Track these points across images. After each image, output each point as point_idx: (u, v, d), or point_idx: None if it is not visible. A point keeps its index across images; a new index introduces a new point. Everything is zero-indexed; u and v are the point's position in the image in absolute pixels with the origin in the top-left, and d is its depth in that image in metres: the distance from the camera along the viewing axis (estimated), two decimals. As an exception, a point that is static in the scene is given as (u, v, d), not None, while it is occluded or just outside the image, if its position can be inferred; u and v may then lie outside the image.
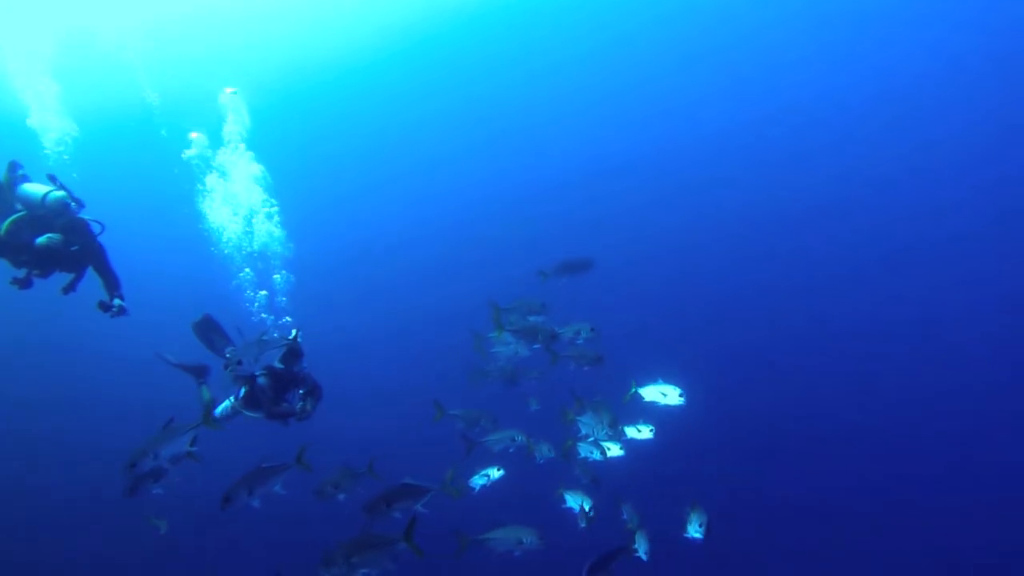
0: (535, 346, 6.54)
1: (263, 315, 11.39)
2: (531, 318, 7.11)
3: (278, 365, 7.18)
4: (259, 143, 13.87)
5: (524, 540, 5.51)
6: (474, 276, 20.31)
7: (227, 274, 13.51)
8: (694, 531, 5.78)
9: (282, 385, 7.24)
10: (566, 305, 7.61)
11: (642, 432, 6.44)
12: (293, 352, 7.26)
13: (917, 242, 19.56)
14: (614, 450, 6.34)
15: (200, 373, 7.71)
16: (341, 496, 5.82)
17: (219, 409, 7.47)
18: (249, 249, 13.20)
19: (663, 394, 6.39)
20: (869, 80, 20.19)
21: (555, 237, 20.14)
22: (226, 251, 13.15)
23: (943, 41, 19.03)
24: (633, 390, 6.31)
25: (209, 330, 7.53)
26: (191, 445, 5.14)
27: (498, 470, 7.47)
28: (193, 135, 14.00)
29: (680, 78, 20.95)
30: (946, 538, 13.57)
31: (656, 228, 20.99)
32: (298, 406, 7.20)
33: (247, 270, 13.86)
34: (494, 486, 7.04)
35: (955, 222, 19.23)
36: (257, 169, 13.38)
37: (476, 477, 7.34)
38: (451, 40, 20.45)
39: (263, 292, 13.72)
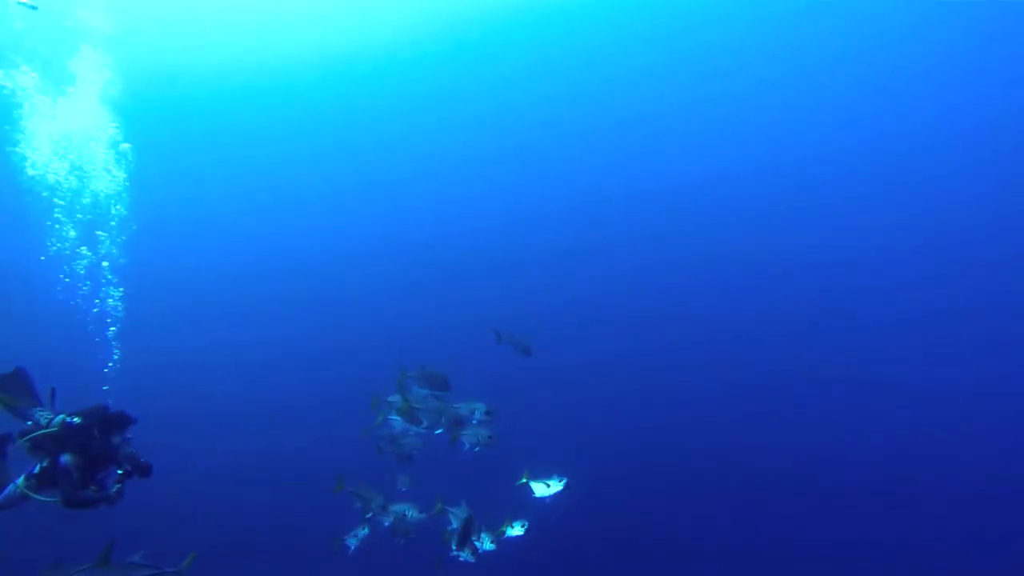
0: (437, 431, 6.54)
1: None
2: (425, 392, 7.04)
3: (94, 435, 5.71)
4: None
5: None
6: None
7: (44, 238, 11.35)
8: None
9: (94, 463, 5.75)
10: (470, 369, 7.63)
11: (515, 529, 6.46)
12: (117, 418, 5.86)
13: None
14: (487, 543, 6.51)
15: None
16: None
17: (2, 495, 5.78)
18: (81, 216, 11.16)
19: (547, 485, 6.81)
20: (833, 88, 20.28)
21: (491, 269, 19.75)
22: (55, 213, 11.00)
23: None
24: (523, 480, 6.66)
25: (15, 387, 5.95)
26: None
27: (364, 528, 7.50)
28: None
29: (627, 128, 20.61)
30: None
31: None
32: (113, 489, 5.66)
33: (70, 229, 11.78)
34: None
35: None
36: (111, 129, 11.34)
37: (348, 537, 7.21)
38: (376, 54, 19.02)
39: (86, 252, 11.75)
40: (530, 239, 20.87)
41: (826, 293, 20.00)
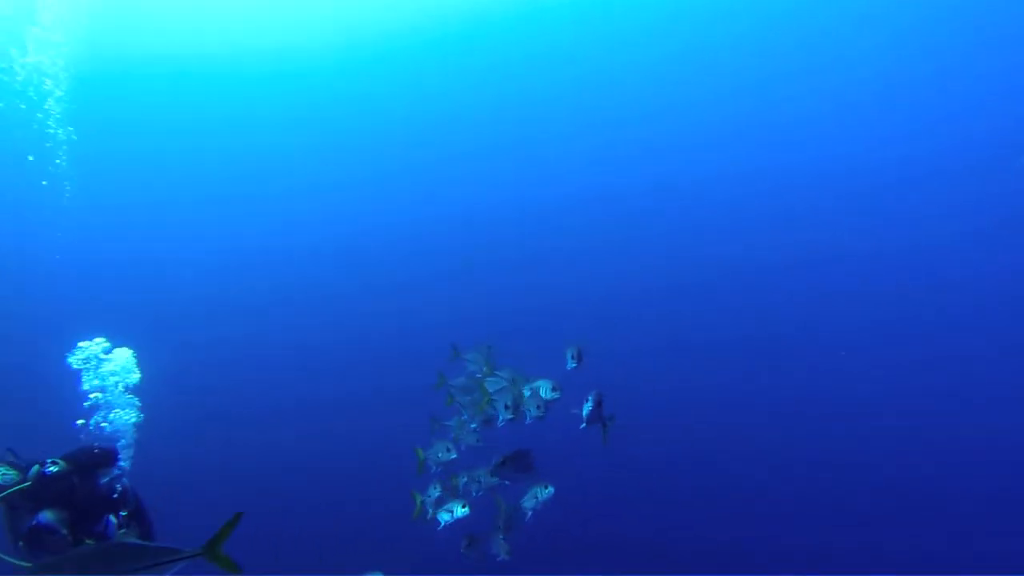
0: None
1: None
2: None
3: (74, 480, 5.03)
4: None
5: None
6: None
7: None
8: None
9: (85, 514, 5.08)
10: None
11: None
12: (101, 458, 5.25)
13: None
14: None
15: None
16: None
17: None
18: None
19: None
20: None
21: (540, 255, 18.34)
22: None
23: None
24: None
25: None
26: None
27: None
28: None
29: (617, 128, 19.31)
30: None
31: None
32: (120, 532, 5.02)
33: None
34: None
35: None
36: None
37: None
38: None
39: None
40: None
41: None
